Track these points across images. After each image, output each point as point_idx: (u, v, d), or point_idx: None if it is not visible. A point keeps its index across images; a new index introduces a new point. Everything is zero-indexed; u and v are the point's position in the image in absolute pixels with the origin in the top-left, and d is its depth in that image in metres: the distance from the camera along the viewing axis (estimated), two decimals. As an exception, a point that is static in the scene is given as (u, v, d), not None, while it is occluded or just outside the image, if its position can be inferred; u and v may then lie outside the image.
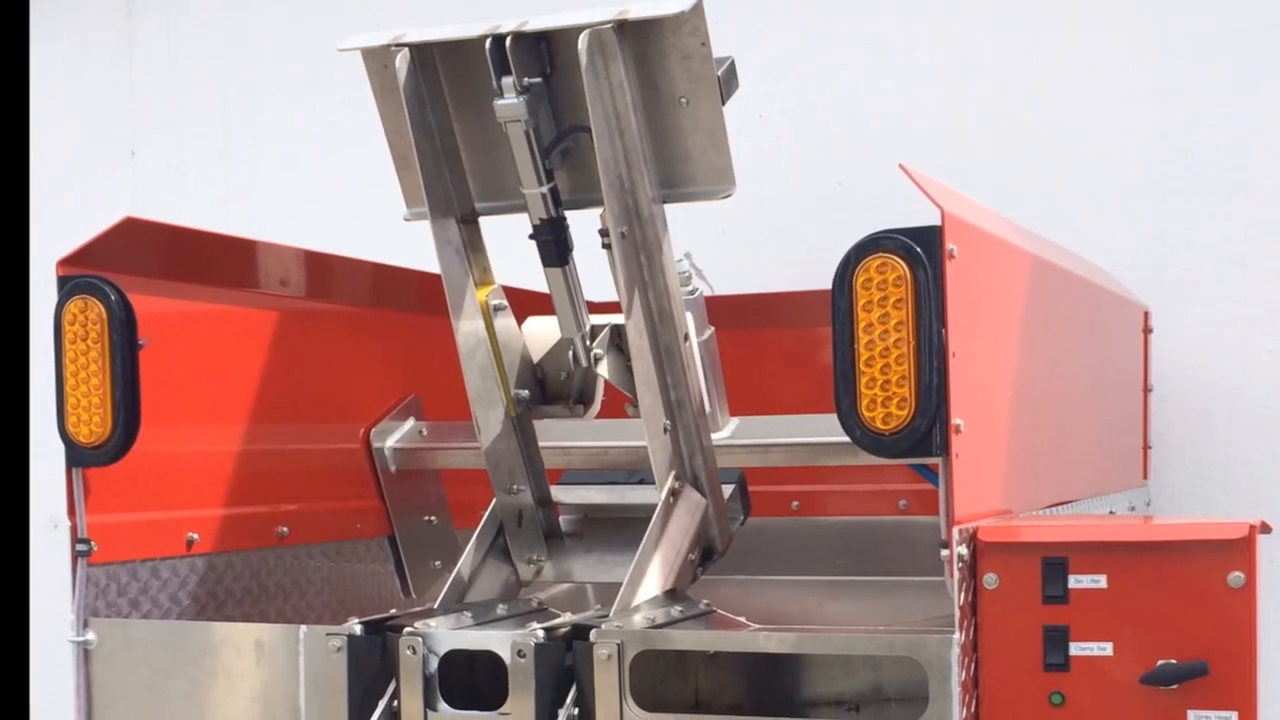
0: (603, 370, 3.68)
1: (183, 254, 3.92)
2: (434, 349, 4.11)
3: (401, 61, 3.49)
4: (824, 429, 3.60)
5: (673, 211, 3.52)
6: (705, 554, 3.76)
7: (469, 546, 3.78)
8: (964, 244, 3.08)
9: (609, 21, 3.30)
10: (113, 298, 3.57)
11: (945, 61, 5.74)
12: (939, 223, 3.01)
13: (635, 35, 3.35)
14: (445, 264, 3.63)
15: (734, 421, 4.10)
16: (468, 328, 3.66)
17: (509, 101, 3.38)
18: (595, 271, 3.64)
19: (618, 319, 3.60)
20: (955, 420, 3.02)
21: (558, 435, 4.04)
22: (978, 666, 3.05)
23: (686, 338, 3.62)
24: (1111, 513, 4.36)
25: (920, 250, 3.01)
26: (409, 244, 4.10)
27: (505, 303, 3.71)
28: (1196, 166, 5.46)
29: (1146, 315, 5.31)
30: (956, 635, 2.98)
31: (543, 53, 3.42)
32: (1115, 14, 5.57)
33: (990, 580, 3.05)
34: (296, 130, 6.65)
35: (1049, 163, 5.60)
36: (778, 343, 5.25)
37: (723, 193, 3.49)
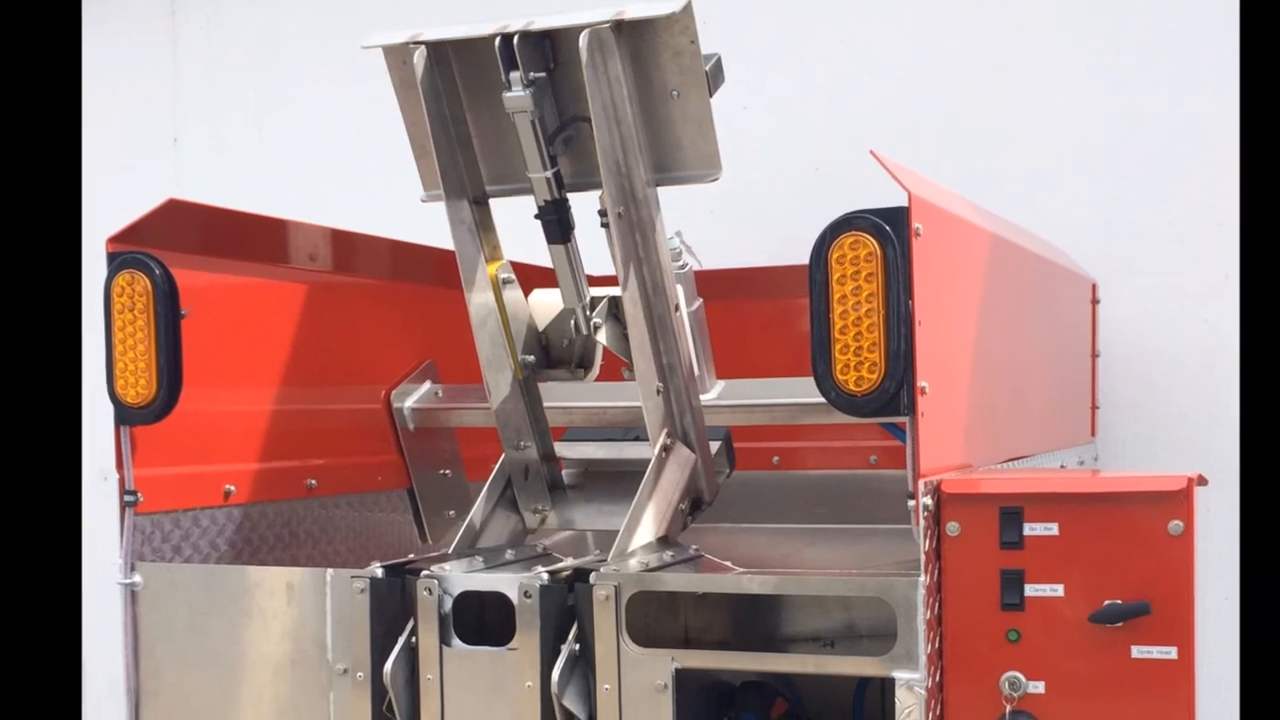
0: (601, 338, 3.67)
1: (221, 232, 3.91)
2: (448, 318, 4.09)
3: (419, 58, 3.48)
4: (802, 391, 3.59)
5: (665, 194, 3.51)
6: (694, 504, 3.76)
7: (480, 497, 3.78)
8: (929, 223, 3.07)
9: (607, 21, 3.29)
10: (157, 272, 3.56)
11: (913, 58, 5.71)
12: (906, 204, 3.00)
13: (631, 34, 3.33)
14: (458, 241, 3.63)
15: (720, 384, 4.09)
16: (479, 299, 3.66)
17: (516, 94, 3.36)
18: (595, 248, 3.63)
19: (615, 291, 3.59)
20: (921, 383, 3.01)
21: (561, 396, 4.03)
22: (941, 606, 3.05)
23: (677, 308, 3.61)
24: (1063, 466, 4.36)
25: (889, 229, 3.00)
26: (426, 223, 4.08)
27: (513, 276, 3.70)
28: (1141, 154, 5.44)
29: (1094, 288, 5.30)
30: (922, 578, 2.98)
31: (547, 50, 3.41)
32: (1068, 16, 5.54)
33: (953, 528, 3.05)
34: (324, 120, 6.62)
35: (1007, 150, 5.58)
36: (760, 313, 5.24)
37: (710, 177, 3.48)
